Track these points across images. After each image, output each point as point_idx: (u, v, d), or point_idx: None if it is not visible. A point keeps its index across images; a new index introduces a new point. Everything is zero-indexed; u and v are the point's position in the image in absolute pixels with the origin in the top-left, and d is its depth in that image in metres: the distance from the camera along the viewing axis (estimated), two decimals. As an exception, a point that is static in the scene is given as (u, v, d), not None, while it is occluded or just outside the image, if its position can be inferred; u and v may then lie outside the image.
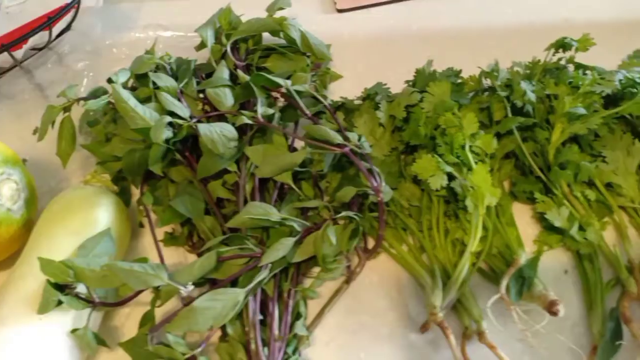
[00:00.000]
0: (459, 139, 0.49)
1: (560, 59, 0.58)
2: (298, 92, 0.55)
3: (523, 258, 0.46)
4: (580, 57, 0.58)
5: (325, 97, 0.62)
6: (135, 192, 0.56)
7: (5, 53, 0.63)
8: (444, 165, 0.48)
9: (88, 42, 0.71)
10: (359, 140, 0.50)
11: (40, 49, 0.69)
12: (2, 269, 0.51)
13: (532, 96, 0.52)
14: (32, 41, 0.66)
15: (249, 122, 0.51)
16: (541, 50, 0.58)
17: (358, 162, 0.48)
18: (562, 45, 0.56)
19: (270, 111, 0.53)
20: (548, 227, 0.50)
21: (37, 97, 0.68)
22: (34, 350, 0.41)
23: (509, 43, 0.67)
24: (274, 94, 0.56)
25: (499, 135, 0.54)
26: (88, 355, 0.45)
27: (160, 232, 0.53)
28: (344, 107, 0.61)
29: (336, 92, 0.63)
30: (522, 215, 0.53)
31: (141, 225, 0.55)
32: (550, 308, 0.42)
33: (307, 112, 0.53)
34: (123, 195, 0.56)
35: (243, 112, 0.52)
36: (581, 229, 0.48)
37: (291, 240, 0.46)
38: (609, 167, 0.52)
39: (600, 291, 0.46)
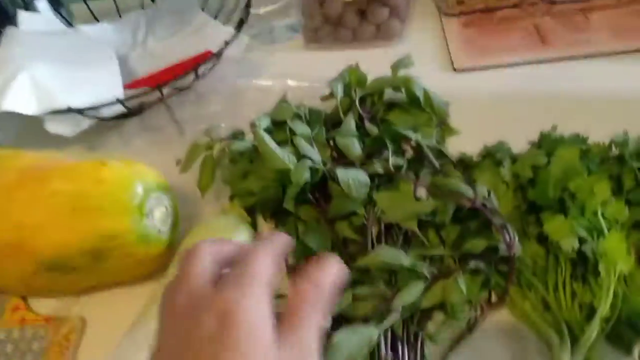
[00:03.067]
0: (592, 205, 0.50)
1: None
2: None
3: (657, 329, 0.45)
4: None
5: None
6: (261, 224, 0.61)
7: (153, 89, 0.71)
8: (578, 229, 0.49)
9: (224, 85, 0.79)
10: (488, 195, 0.52)
11: (183, 89, 0.76)
12: (148, 283, 0.57)
13: (663, 170, 0.53)
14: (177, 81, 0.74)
15: (380, 171, 0.55)
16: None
17: (490, 217, 0.50)
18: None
19: (401, 161, 0.56)
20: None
21: (175, 131, 0.75)
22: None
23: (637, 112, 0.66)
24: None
25: (628, 204, 0.54)
26: None
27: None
28: (461, 162, 0.63)
29: (450, 148, 0.65)
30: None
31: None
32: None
33: (436, 164, 0.56)
34: (252, 226, 0.60)
35: (375, 160, 0.56)
36: None
37: (421, 286, 0.48)
38: None
39: None
